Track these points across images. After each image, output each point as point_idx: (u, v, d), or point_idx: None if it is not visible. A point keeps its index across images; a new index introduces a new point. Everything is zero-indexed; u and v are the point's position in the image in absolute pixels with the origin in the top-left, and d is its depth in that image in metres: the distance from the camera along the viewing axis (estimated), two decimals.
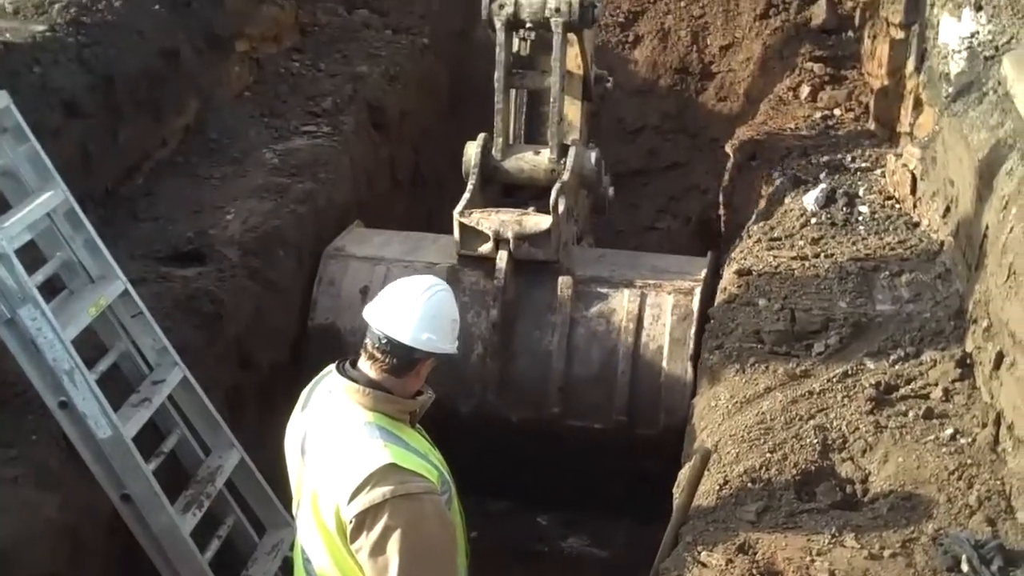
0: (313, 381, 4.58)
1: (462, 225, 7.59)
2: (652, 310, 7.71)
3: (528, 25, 7.56)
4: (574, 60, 8.00)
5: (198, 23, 8.93)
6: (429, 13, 11.36)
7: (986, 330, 6.02)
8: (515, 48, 7.81)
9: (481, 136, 7.79)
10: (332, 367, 4.46)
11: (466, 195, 7.66)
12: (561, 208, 7.57)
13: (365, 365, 4.33)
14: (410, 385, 4.36)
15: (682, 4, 11.31)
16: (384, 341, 4.25)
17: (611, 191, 8.43)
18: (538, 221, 7.55)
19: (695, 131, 10.92)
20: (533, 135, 8.09)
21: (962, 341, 6.42)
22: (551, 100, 7.66)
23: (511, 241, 7.56)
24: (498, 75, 7.64)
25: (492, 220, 7.57)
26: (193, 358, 6.41)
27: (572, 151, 7.75)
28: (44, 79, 7.19)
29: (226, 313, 7.11)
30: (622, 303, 7.75)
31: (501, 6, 7.43)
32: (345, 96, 9.68)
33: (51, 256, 5.87)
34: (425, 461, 4.24)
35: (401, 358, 4.26)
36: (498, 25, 7.50)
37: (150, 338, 6.13)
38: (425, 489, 4.12)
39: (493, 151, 7.78)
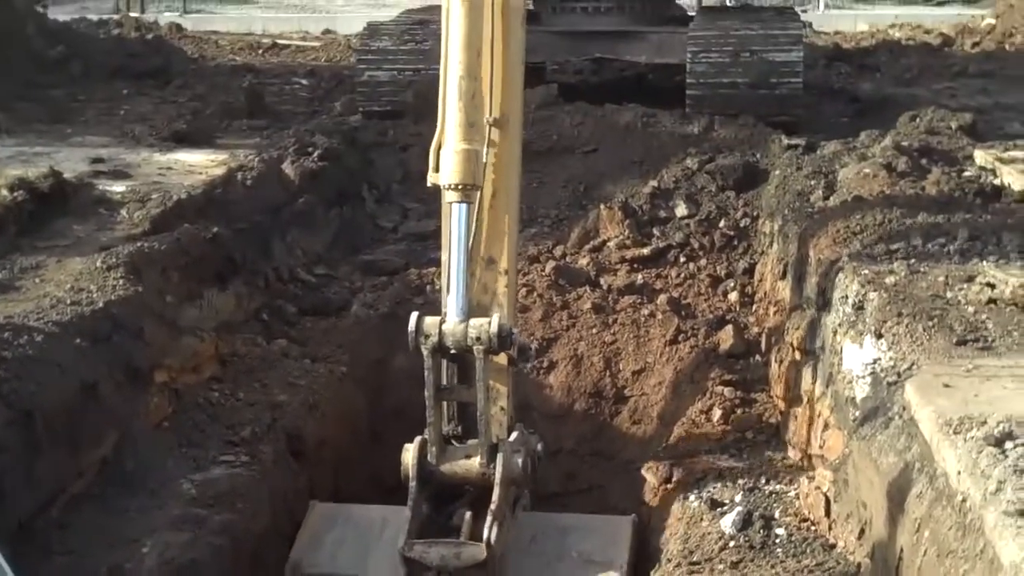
0: None
1: (406, 558, 8.12)
2: None
3: (452, 352, 8.00)
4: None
5: (118, 356, 8.99)
6: (348, 343, 11.55)
7: None
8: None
9: (417, 440, 8.22)
10: None
11: (408, 516, 8.11)
12: (494, 540, 8.01)
13: None
14: None
15: (594, 331, 11.62)
16: None
17: (540, 447, 8.86)
18: (474, 553, 8.03)
19: (611, 454, 11.02)
20: (466, 429, 8.54)
21: None
22: (478, 413, 8.11)
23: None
24: (428, 393, 8.07)
25: (432, 554, 8.06)
26: None
27: (500, 459, 8.20)
28: None
29: None
30: None
31: (426, 337, 7.86)
32: (264, 425, 9.72)
33: None
34: None
35: None
36: (425, 353, 7.92)
37: None
38: None
39: (429, 457, 8.25)
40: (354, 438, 10.92)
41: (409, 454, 8.23)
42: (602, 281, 12.26)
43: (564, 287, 12.14)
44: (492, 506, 8.09)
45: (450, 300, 8.05)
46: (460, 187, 7.88)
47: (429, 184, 8.17)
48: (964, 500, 5.76)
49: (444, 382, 8.26)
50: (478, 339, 7.86)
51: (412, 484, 8.19)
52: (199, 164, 13.17)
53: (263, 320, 11.83)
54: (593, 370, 11.37)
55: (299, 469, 9.79)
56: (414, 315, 7.96)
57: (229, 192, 12.31)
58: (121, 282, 9.54)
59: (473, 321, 7.94)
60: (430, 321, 7.94)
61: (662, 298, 11.94)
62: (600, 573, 8.53)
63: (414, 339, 7.89)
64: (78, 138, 14.99)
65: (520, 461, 8.39)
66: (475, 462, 8.30)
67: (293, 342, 11.46)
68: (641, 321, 11.68)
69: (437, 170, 7.93)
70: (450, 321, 7.96)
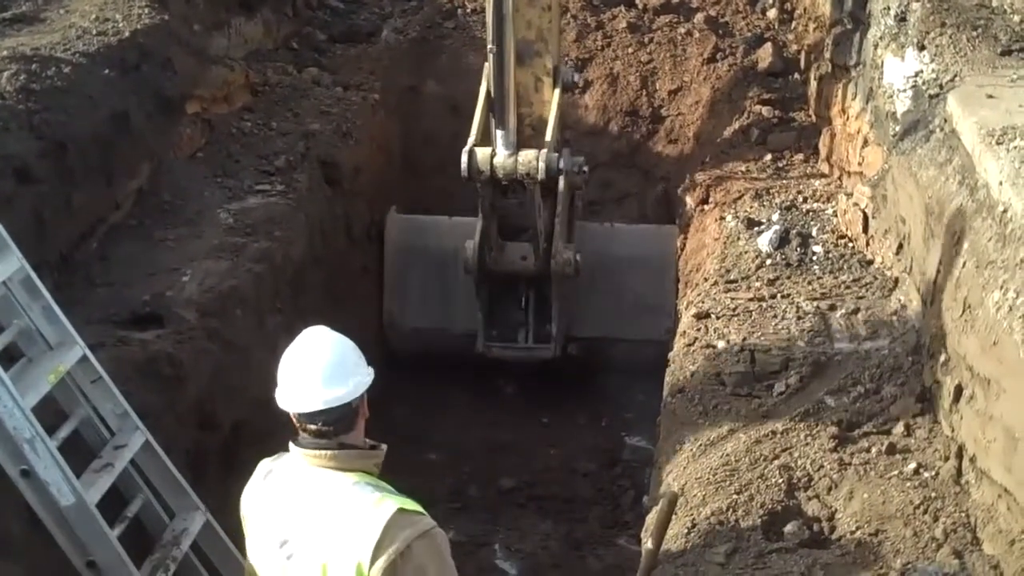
0: (270, 461, 4.49)
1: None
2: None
3: (504, 183, 8.74)
4: None
5: (148, 86, 8.90)
6: (379, 69, 11.41)
7: (944, 364, 6.08)
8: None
9: (477, 236, 9.22)
10: (288, 453, 4.38)
11: (479, 318, 9.61)
12: (559, 349, 9.61)
13: (320, 439, 4.28)
14: (361, 426, 4.34)
15: (630, 50, 11.42)
16: (321, 417, 4.21)
17: (585, 170, 9.62)
18: (543, 355, 9.59)
19: (646, 169, 11.01)
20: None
21: (921, 376, 6.48)
22: (535, 229, 9.14)
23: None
24: (482, 215, 9.07)
25: (509, 355, 9.67)
26: (154, 421, 6.34)
27: (553, 262, 9.31)
28: None
29: (186, 375, 7.06)
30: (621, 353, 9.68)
31: (480, 172, 8.56)
32: (298, 154, 9.69)
33: (8, 324, 5.81)
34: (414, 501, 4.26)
35: (342, 417, 4.22)
36: (479, 186, 8.71)
37: (110, 403, 6.07)
38: (432, 524, 4.15)
39: (487, 258, 9.29)
40: (388, 165, 10.90)
41: (470, 250, 9.21)
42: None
43: (598, 7, 11.90)
44: (553, 328, 9.52)
45: (499, 135, 8.54)
46: None
47: None
48: (1005, 211, 5.69)
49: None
50: (527, 175, 8.58)
51: (477, 279, 9.38)
52: None
53: (293, 48, 11.68)
54: (629, 89, 11.23)
55: (334, 196, 9.79)
56: (465, 151, 8.51)
57: None
58: (146, 11, 9.36)
59: (522, 156, 8.55)
60: (482, 156, 8.53)
61: (699, 16, 11.69)
62: (654, 316, 9.74)
63: (468, 173, 8.55)
64: None
65: (573, 263, 9.35)
66: (529, 263, 9.38)
67: (324, 70, 11.32)
68: (678, 40, 11.47)
69: None
70: (500, 155, 8.57)
